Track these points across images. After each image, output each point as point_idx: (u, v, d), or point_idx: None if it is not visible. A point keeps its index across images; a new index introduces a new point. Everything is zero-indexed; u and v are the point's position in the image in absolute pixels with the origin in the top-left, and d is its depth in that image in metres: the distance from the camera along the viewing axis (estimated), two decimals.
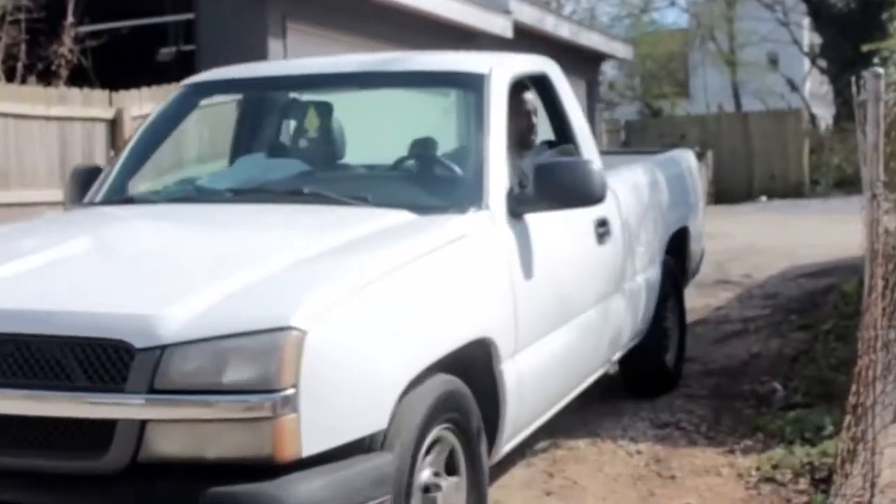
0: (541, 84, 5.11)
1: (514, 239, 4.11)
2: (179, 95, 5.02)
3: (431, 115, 4.76)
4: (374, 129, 4.85)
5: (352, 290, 3.19)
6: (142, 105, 8.89)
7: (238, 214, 4.09)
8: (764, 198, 23.79)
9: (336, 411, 3.03)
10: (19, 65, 10.03)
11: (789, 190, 24.08)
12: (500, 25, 14.64)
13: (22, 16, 9.91)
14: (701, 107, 32.67)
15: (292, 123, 5.05)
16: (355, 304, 3.18)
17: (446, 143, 4.51)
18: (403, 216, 3.91)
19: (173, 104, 5.00)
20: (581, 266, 4.76)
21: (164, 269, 3.39)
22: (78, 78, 9.94)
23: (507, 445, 4.10)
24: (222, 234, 3.81)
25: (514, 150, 4.93)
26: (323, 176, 4.54)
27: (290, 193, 4.20)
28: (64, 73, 10.09)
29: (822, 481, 4.69)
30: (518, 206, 4.19)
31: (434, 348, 3.50)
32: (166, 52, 11.90)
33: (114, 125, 8.91)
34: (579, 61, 19.01)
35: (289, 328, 2.95)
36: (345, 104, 4.90)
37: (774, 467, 4.97)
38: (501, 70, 4.58)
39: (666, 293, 6.26)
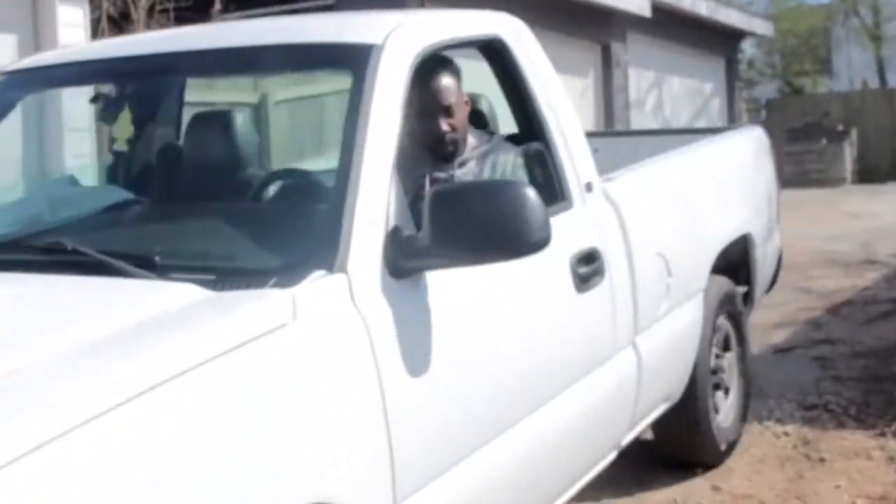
0: (493, 54, 3.46)
1: (392, 318, 2.49)
2: None
3: (304, 113, 3.16)
4: (225, 136, 3.25)
5: None
6: (286, 90, 9.02)
7: None
8: None
9: None
10: None
11: None
12: (637, 4, 14.29)
13: (170, 4, 10.05)
14: (844, 84, 31.24)
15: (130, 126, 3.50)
16: None
17: (314, 159, 2.90)
18: (186, 295, 2.32)
19: None
20: (540, 334, 3.11)
21: None
22: None
23: None
24: None
25: (437, 164, 3.34)
26: (129, 214, 2.95)
27: (48, 252, 2.64)
28: None
29: None
30: (406, 259, 2.58)
31: None
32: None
33: (258, 109, 8.87)
34: (718, 39, 18.85)
35: None
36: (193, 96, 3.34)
37: None
38: (404, 39, 2.93)
39: (713, 331, 4.57)
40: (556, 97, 3.53)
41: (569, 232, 3.33)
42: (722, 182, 4.78)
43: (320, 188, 2.76)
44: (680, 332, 4.15)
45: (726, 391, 4.77)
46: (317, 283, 2.40)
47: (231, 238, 2.67)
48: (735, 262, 4.90)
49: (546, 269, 3.14)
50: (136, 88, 3.42)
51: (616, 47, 15.35)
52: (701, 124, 17.59)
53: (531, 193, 2.55)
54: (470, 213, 2.53)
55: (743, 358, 4.94)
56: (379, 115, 2.72)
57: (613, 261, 3.52)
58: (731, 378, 4.81)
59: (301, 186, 2.87)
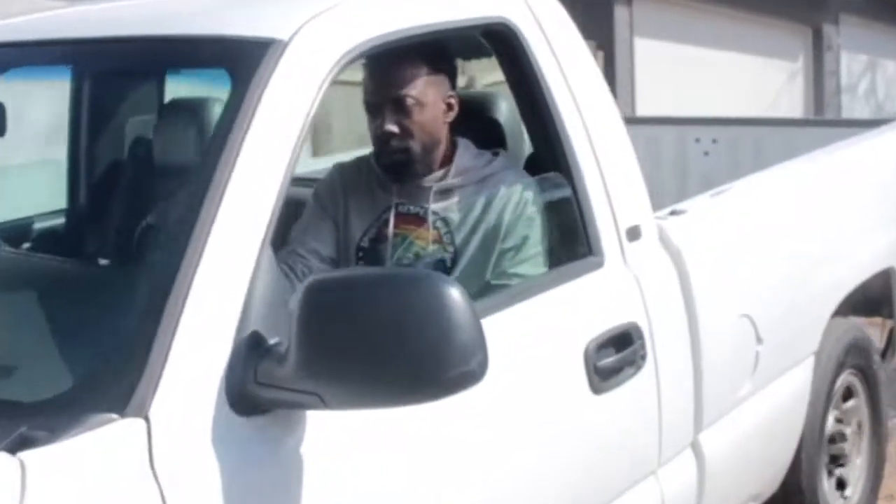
0: (498, 44, 2.45)
1: (223, 489, 1.56)
2: None
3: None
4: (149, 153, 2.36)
5: None
6: (493, 73, 8.80)
7: None
8: None
9: None
10: None
11: None
12: None
13: None
14: None
15: None
16: None
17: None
18: None
19: None
20: (520, 470, 2.12)
21: None
22: None
23: None
24: None
25: (410, 193, 2.43)
26: None
27: None
28: None
29: None
30: (261, 388, 1.65)
31: None
32: None
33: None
34: None
35: None
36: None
37: None
38: (326, 33, 1.96)
39: (829, 398, 3.47)
40: (591, 104, 2.50)
41: (587, 307, 2.34)
42: (854, 201, 3.64)
43: (146, 260, 1.82)
44: (774, 413, 3.08)
45: (838, 470, 3.67)
46: (80, 441, 1.49)
47: (18, 338, 1.78)
48: (872, 298, 3.78)
49: (539, 368, 2.16)
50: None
51: (828, 30, 14.26)
52: None
53: (455, 295, 1.57)
54: (356, 323, 1.57)
55: (876, 424, 3.82)
56: (257, 148, 1.78)
57: (664, 338, 2.49)
58: (856, 451, 3.70)
59: (132, 252, 1.95)
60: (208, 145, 1.80)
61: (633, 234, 2.52)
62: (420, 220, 2.44)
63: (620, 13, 10.50)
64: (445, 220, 2.43)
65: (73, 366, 1.66)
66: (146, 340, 1.59)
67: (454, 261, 2.39)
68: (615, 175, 2.51)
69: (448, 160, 2.50)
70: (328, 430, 1.72)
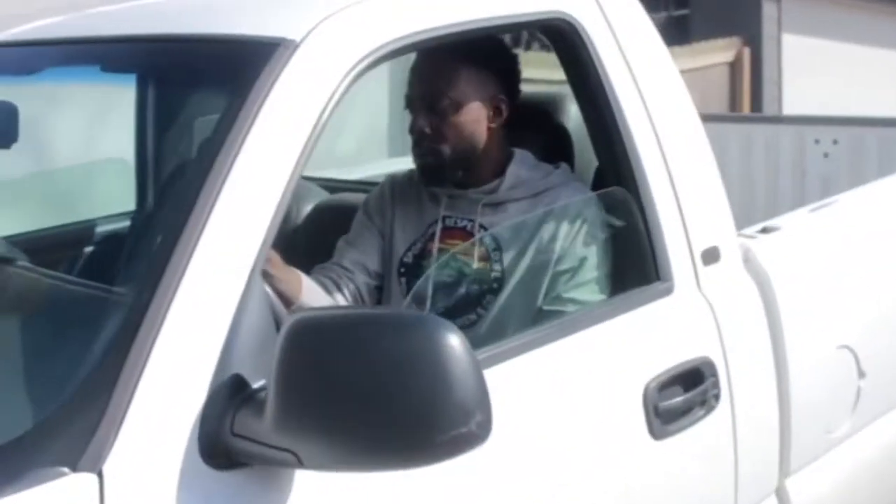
0: (559, 42, 2.20)
1: None
2: None
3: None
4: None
5: None
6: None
7: None
8: None
9: None
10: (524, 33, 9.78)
11: None
12: None
13: None
14: None
15: None
16: None
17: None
18: None
19: None
20: None
21: None
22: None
23: None
24: None
25: (459, 205, 2.22)
26: None
27: None
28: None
29: None
30: (236, 438, 1.45)
31: None
32: (655, 18, 11.15)
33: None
34: None
35: None
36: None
37: None
38: (346, 32, 1.74)
39: None
40: (665, 111, 2.23)
41: (650, 339, 2.07)
42: None
43: (119, 287, 1.64)
44: (879, 453, 2.76)
45: None
46: (18, 500, 1.31)
47: None
48: None
49: (589, 409, 1.91)
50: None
51: None
52: None
53: (455, 343, 1.34)
54: (339, 372, 1.36)
55: None
56: (253, 163, 1.58)
57: (743, 374, 2.21)
58: None
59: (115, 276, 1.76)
60: (196, 160, 1.60)
61: (711, 256, 2.24)
62: (467, 234, 2.22)
63: (769, 8, 10.19)
64: (494, 237, 2.20)
65: (23, 409, 1.48)
66: (107, 381, 1.41)
67: (501, 282, 2.16)
68: (691, 190, 2.23)
69: (501, 171, 2.26)
70: (322, 487, 1.51)
